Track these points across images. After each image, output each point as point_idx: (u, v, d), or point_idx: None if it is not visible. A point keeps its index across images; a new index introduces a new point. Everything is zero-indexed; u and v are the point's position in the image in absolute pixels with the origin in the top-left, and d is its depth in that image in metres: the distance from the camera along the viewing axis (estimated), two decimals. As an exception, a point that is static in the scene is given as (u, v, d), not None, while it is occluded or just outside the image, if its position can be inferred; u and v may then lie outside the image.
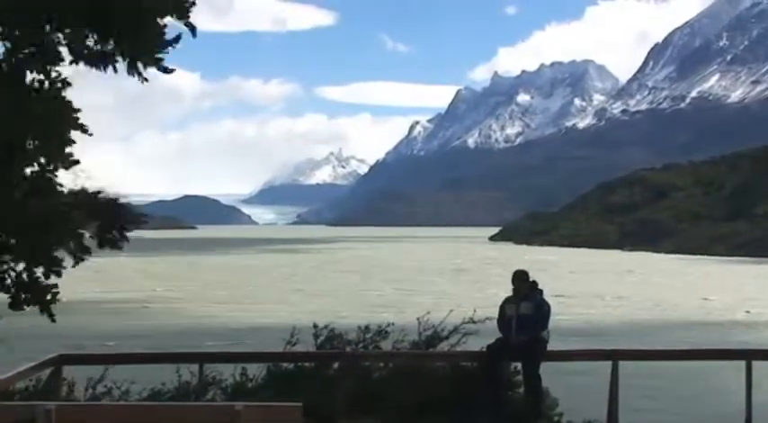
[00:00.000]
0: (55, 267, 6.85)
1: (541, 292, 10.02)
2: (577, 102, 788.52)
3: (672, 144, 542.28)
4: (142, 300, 50.57)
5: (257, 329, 33.44)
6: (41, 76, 6.52)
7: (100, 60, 6.52)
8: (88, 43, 6.49)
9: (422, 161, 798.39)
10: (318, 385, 9.28)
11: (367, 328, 10.02)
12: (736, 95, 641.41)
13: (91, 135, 6.75)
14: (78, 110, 6.66)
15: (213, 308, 46.00)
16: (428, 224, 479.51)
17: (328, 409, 8.91)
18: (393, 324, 10.16)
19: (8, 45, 6.42)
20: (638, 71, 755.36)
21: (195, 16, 6.47)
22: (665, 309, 46.55)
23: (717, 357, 13.01)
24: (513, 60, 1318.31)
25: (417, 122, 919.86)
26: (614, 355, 9.94)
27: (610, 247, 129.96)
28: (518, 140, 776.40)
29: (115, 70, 6.57)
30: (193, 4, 6.48)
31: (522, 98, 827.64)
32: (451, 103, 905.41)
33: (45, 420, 5.84)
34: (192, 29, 6.52)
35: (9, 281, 6.93)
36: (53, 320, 7.39)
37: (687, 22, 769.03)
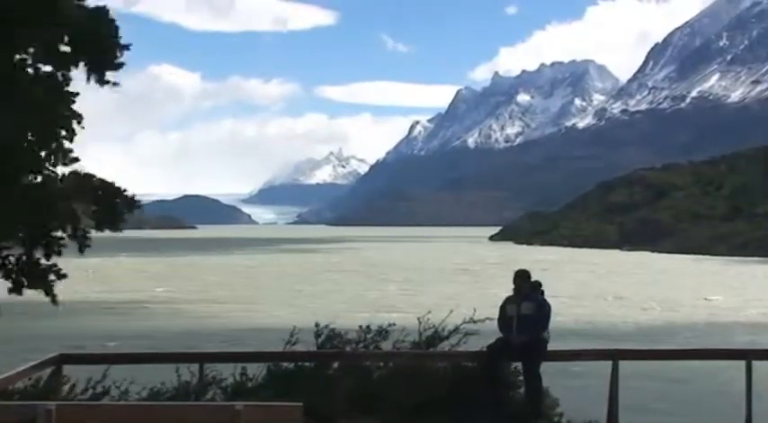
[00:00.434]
0: (55, 247, 6.86)
1: (543, 292, 10.01)
2: (577, 102, 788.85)
3: (672, 144, 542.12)
4: (142, 300, 50.52)
5: (257, 329, 33.43)
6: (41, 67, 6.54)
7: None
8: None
9: (422, 161, 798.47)
10: (318, 385, 9.27)
11: (367, 327, 10.01)
12: (736, 95, 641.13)
13: (83, 128, 6.75)
14: (76, 94, 6.66)
15: (213, 308, 45.95)
16: (428, 224, 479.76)
17: (328, 408, 8.90)
18: (393, 324, 10.14)
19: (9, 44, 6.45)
20: (638, 71, 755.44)
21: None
22: (666, 309, 46.50)
23: (717, 357, 13.00)
24: (514, 60, 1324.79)
25: (417, 122, 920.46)
26: (617, 356, 9.93)
27: (610, 246, 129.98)
28: (518, 140, 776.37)
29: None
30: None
31: (523, 98, 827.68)
32: (452, 102, 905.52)
33: (45, 420, 5.84)
34: None
35: (10, 266, 6.94)
36: (55, 303, 7.34)
37: (687, 22, 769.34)
